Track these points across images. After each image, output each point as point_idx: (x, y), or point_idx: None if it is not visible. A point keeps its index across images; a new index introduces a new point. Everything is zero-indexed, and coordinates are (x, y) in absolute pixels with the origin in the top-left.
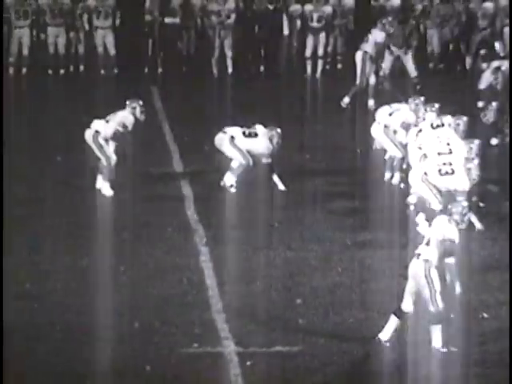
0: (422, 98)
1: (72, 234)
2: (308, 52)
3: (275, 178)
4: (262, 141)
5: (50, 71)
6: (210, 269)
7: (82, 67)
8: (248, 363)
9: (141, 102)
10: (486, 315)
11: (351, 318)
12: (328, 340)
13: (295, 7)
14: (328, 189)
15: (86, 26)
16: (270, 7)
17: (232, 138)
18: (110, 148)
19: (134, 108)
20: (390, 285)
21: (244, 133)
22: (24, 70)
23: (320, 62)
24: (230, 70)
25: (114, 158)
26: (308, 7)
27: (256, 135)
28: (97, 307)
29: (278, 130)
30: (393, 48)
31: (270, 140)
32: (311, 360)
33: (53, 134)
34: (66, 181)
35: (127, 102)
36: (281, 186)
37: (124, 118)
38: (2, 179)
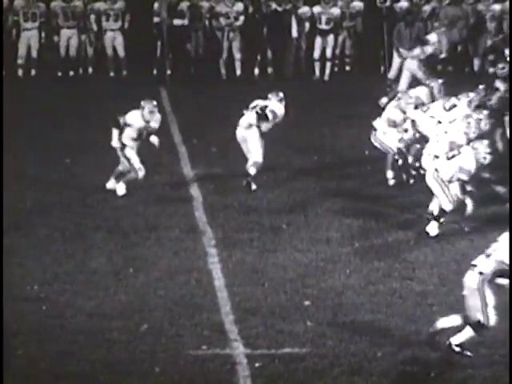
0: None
1: (81, 235)
2: (316, 54)
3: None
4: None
5: (59, 73)
6: (219, 270)
7: (90, 69)
8: (257, 365)
9: (154, 102)
10: None
11: (359, 319)
12: (336, 342)
13: (304, 9)
14: (336, 190)
15: (95, 28)
16: (279, 9)
17: (250, 125)
18: (137, 159)
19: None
20: (397, 287)
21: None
22: (33, 72)
23: (328, 64)
24: (238, 71)
25: (142, 171)
26: (316, 9)
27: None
28: (106, 309)
29: (281, 94)
30: (402, 50)
31: (280, 102)
32: (320, 362)
33: (61, 135)
34: (75, 183)
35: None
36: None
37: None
38: (2, 180)
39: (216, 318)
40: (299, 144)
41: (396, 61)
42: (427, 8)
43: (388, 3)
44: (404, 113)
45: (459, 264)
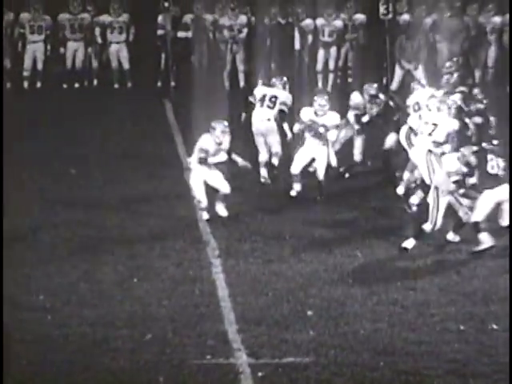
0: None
1: (86, 246)
2: (319, 66)
3: (285, 126)
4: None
5: (64, 85)
6: (222, 281)
7: (96, 81)
8: (260, 374)
9: (225, 123)
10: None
11: (361, 329)
12: (339, 351)
13: (307, 22)
14: (338, 201)
15: (100, 40)
16: (282, 22)
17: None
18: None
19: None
20: (399, 297)
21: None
22: (38, 84)
23: (331, 76)
24: (241, 83)
25: (205, 202)
26: (319, 21)
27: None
28: (110, 319)
29: (285, 78)
30: (403, 62)
31: (284, 87)
32: (322, 371)
33: (66, 146)
34: (80, 194)
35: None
36: (289, 135)
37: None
38: (2, 186)
39: (219, 327)
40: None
41: (398, 73)
42: (429, 20)
43: (390, 16)
44: None
45: (460, 274)
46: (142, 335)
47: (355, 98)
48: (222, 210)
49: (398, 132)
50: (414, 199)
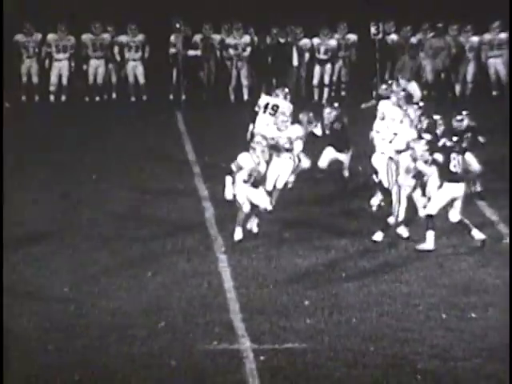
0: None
1: (105, 243)
2: (315, 81)
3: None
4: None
5: (86, 99)
6: (228, 274)
7: (114, 95)
8: (261, 358)
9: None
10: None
11: (353, 318)
12: (333, 338)
13: (304, 41)
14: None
15: (119, 58)
16: (282, 41)
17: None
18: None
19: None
20: (386, 288)
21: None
22: (63, 98)
23: (326, 90)
24: (245, 97)
25: (266, 205)
26: (315, 41)
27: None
28: (127, 309)
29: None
30: (401, 80)
31: (286, 98)
32: (318, 356)
33: (88, 154)
34: (100, 197)
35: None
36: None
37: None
38: (3, 183)
39: (225, 316)
40: None
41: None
42: (414, 39)
43: (380, 36)
44: None
45: (441, 267)
46: (155, 323)
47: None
48: (254, 225)
49: None
50: (374, 201)
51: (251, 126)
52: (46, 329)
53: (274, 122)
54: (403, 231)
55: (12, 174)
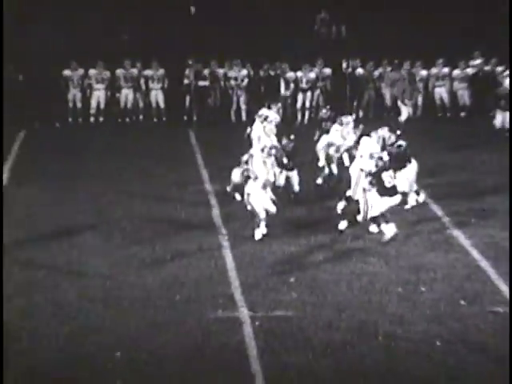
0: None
1: (135, 232)
2: (298, 105)
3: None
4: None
5: (119, 120)
6: (230, 257)
7: (141, 117)
8: (256, 323)
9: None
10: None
11: (329, 292)
12: (313, 307)
13: (290, 74)
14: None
15: (144, 88)
16: (272, 74)
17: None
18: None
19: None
20: (355, 269)
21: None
22: (101, 119)
23: (307, 113)
24: (243, 118)
25: (273, 209)
26: (299, 74)
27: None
28: (151, 284)
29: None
30: (406, 101)
31: (278, 111)
32: (301, 322)
33: (122, 165)
34: (133, 199)
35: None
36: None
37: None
38: (2, 181)
39: (228, 290)
40: None
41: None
42: (376, 73)
43: (350, 70)
44: None
45: (398, 251)
46: (173, 296)
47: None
48: (263, 227)
49: None
50: (340, 205)
51: (248, 129)
52: (88, 300)
53: (263, 129)
54: (374, 228)
55: (60, 179)
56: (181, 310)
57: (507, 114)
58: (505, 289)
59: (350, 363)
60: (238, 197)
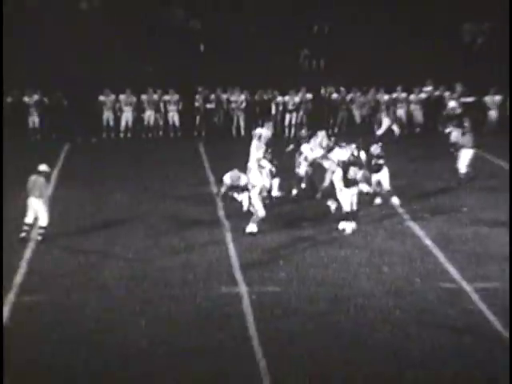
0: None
1: (157, 227)
2: (286, 123)
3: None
4: (265, 130)
5: (143, 135)
6: (232, 246)
7: (161, 133)
8: (253, 297)
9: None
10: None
11: (312, 273)
12: (299, 284)
13: (279, 98)
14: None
15: (163, 110)
16: (265, 98)
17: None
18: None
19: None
20: (332, 254)
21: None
22: (129, 135)
23: (293, 129)
24: (242, 133)
25: (263, 213)
26: (286, 98)
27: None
28: (170, 266)
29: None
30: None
31: (269, 128)
32: (289, 296)
33: (148, 173)
34: (153, 196)
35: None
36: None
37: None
38: (2, 188)
39: (230, 270)
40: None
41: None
42: (348, 97)
43: (327, 95)
44: None
45: (366, 239)
46: (186, 276)
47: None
48: (257, 224)
49: None
50: (332, 203)
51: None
52: (118, 278)
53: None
54: (342, 225)
55: (97, 182)
56: (193, 286)
57: (459, 130)
58: (451, 270)
59: (329, 328)
60: (236, 196)
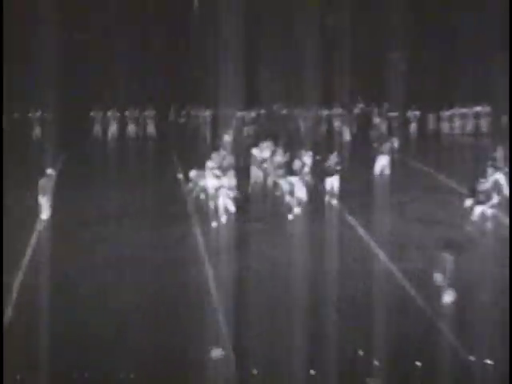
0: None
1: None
2: (244, 134)
3: None
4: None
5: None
6: (201, 236)
7: (140, 142)
8: (218, 276)
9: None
10: None
11: (266, 255)
12: (254, 264)
13: (239, 113)
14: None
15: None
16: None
17: None
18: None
19: None
20: (281, 240)
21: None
22: (115, 144)
23: (249, 139)
24: (208, 141)
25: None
26: (244, 113)
27: None
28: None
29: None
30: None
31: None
32: (247, 271)
33: (130, 173)
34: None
35: None
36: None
37: None
38: (3, 188)
39: (199, 258)
40: None
41: None
42: (295, 112)
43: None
44: None
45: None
46: (160, 259)
47: None
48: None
49: None
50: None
51: None
52: (114, 261)
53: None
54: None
55: (94, 184)
56: (166, 269)
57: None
58: (378, 251)
59: (280, 292)
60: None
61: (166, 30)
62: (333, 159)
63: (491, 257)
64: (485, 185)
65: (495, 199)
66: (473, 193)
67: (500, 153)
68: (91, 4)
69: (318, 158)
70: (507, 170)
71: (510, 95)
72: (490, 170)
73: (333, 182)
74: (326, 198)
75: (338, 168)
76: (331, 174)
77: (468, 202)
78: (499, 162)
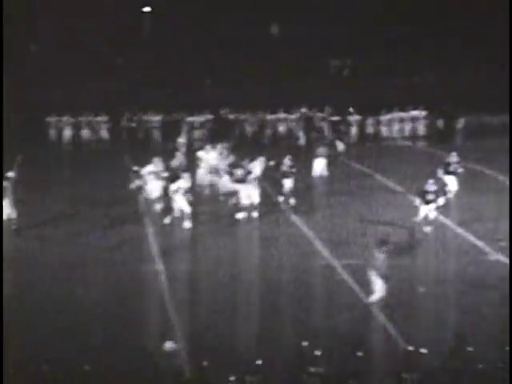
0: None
1: (97, 223)
2: (194, 137)
3: None
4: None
5: (80, 148)
6: (153, 235)
7: (94, 145)
8: (169, 273)
9: None
10: None
11: (222, 252)
12: (209, 260)
13: (188, 118)
14: None
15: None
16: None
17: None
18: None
19: None
20: (236, 239)
21: None
22: (69, 148)
23: (198, 142)
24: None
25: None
26: (193, 118)
27: None
28: (105, 252)
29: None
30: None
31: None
32: (202, 264)
33: (85, 174)
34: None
35: None
36: None
37: None
38: (2, 182)
39: (151, 255)
40: None
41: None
42: (242, 117)
43: (225, 115)
44: None
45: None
46: (118, 257)
47: None
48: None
49: None
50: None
51: None
52: (74, 257)
53: None
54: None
55: (50, 185)
56: (121, 265)
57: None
58: (322, 249)
59: (251, 285)
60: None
61: (119, 41)
62: (286, 163)
63: (430, 252)
64: (431, 186)
65: (441, 200)
66: (420, 193)
67: (451, 156)
68: (43, 15)
69: (271, 163)
70: (453, 170)
71: (510, 95)
72: (439, 171)
73: (286, 184)
74: (276, 199)
75: (293, 171)
76: (286, 177)
77: (416, 202)
78: (446, 165)
